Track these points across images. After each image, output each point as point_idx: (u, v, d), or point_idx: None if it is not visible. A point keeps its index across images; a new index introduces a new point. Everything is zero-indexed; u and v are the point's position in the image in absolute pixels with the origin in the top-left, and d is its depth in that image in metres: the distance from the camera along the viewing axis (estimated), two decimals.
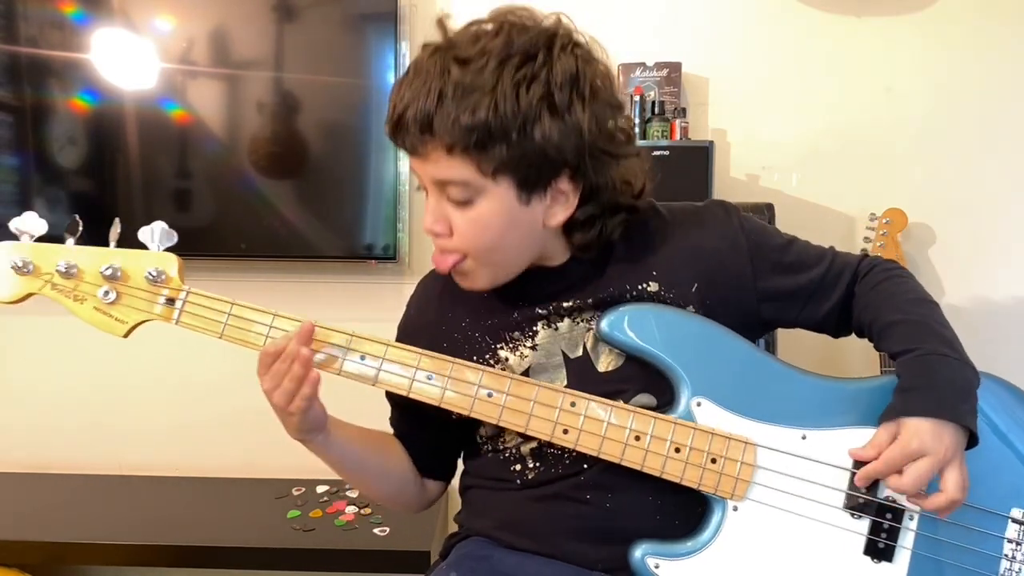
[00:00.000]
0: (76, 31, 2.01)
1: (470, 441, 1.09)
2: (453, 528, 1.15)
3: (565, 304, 1.02)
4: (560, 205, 0.96)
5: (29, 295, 0.99)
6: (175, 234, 0.99)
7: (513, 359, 1.02)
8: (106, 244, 0.99)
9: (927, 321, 0.98)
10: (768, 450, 0.95)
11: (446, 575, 1.02)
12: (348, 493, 2.02)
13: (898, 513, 0.93)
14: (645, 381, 0.99)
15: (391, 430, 1.15)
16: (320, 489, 2.04)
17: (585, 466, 0.99)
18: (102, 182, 2.08)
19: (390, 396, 1.10)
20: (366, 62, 2.05)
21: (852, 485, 0.94)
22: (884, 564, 0.93)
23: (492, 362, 1.02)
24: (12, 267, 0.97)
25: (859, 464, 0.93)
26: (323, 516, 1.90)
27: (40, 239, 0.99)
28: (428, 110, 0.89)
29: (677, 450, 0.94)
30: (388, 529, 1.83)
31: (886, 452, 0.90)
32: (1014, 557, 0.93)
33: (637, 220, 1.03)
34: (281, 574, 1.85)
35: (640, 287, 1.01)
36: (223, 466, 2.16)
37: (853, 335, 1.08)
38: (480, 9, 0.97)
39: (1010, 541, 0.93)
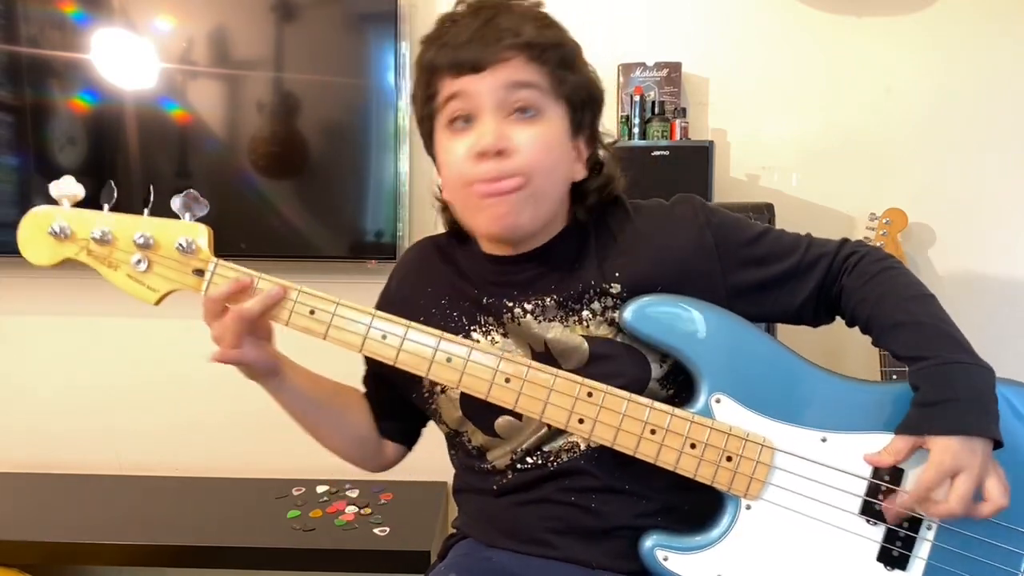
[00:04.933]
0: (76, 31, 2.01)
1: (446, 434, 1.11)
2: (453, 529, 1.15)
3: (528, 304, 1.02)
4: (579, 163, 1.02)
5: (66, 260, 0.99)
6: (207, 204, 0.99)
7: (484, 343, 1.02)
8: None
9: (934, 323, 0.95)
10: (785, 452, 0.93)
11: (445, 575, 1.02)
12: (348, 493, 2.03)
13: (915, 522, 0.92)
14: (609, 382, 0.97)
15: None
16: (320, 489, 2.04)
17: (558, 469, 0.99)
18: (102, 182, 2.03)
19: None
20: (366, 62, 2.05)
21: (871, 492, 0.92)
22: (897, 572, 0.92)
23: None
24: (50, 232, 0.97)
25: (877, 471, 0.92)
26: (323, 516, 1.90)
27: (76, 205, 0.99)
28: (516, 20, 0.95)
29: (692, 446, 0.94)
30: (388, 529, 1.83)
31: (921, 477, 0.88)
32: None
33: (609, 216, 1.04)
34: (281, 574, 1.85)
35: (603, 286, 1.00)
36: (223, 466, 2.16)
37: (836, 325, 1.06)
38: None
39: None
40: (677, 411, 0.94)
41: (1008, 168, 2.05)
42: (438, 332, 0.97)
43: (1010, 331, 2.06)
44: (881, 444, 0.92)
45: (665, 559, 0.94)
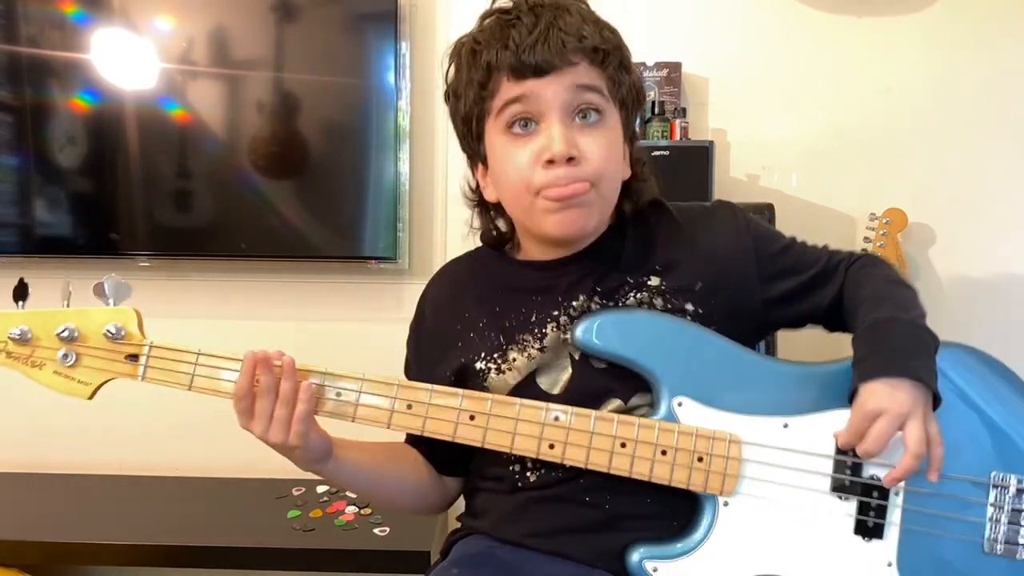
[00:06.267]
0: (76, 31, 2.01)
1: None
2: (454, 527, 1.14)
3: (575, 303, 1.02)
4: (627, 163, 1.03)
5: None
6: (131, 287, 0.95)
7: (520, 360, 1.02)
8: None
9: (889, 294, 0.98)
10: (751, 444, 0.95)
11: (448, 572, 1.01)
12: (348, 493, 2.02)
13: (884, 490, 0.94)
14: (634, 375, 0.98)
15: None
16: (320, 489, 2.04)
17: (572, 469, 0.98)
18: (102, 182, 2.07)
19: None
20: (366, 62, 2.05)
21: (837, 468, 0.94)
22: (875, 541, 0.94)
23: (501, 362, 1.02)
24: None
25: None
26: (323, 516, 1.90)
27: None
28: (577, 22, 0.94)
29: (664, 452, 0.95)
30: (388, 529, 1.83)
31: (851, 421, 0.91)
32: (997, 520, 0.95)
33: (649, 215, 1.05)
34: (281, 574, 1.85)
35: (641, 279, 1.01)
36: (223, 466, 2.15)
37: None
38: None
39: (992, 506, 0.95)
40: (643, 420, 0.96)
41: (1008, 168, 2.05)
42: (394, 379, 0.96)
43: (1010, 331, 2.05)
44: (840, 420, 0.94)
45: (655, 570, 0.95)
